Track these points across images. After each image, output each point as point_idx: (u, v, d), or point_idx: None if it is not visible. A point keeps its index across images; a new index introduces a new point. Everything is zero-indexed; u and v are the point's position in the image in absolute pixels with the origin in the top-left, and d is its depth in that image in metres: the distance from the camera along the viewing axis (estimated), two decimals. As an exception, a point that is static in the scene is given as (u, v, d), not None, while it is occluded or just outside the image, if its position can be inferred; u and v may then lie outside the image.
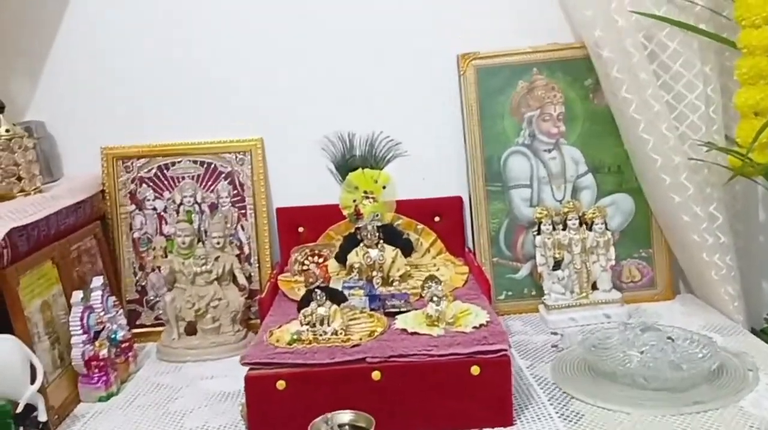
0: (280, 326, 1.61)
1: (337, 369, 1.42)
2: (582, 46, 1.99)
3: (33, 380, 1.47)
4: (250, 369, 1.44)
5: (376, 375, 1.42)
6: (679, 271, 2.10)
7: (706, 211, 1.95)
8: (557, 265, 1.98)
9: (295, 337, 1.51)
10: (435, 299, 1.57)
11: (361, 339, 1.51)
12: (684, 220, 1.96)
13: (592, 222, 1.97)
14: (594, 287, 1.99)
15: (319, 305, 1.54)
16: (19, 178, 1.78)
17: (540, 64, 2.05)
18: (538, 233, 1.98)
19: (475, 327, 1.52)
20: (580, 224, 1.96)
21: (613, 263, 1.98)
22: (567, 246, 1.96)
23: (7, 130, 1.78)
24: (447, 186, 2.15)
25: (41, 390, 1.50)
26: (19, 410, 1.45)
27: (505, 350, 1.43)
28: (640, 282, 2.12)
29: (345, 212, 1.94)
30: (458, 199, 2.15)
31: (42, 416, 1.50)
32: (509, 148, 2.08)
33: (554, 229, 1.97)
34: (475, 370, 1.41)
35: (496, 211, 2.08)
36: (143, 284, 2.09)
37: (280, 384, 1.41)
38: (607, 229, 1.97)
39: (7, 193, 1.76)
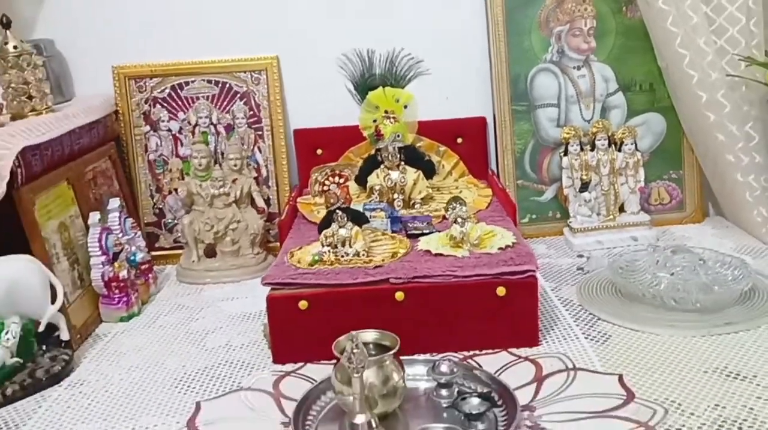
0: (300, 248, 1.62)
1: (359, 289, 1.41)
2: (616, -47, 1.93)
3: (54, 300, 1.48)
4: (272, 289, 1.43)
5: (399, 296, 1.41)
6: (709, 193, 2.11)
7: (743, 131, 1.90)
8: (584, 186, 1.96)
9: (316, 258, 1.52)
10: (459, 220, 1.56)
11: (383, 260, 1.51)
12: (719, 139, 1.91)
13: (622, 142, 1.96)
14: (621, 209, 2.00)
15: (340, 227, 1.54)
16: (30, 97, 1.74)
17: (571, -25, 1.98)
18: (566, 154, 1.96)
19: (500, 248, 1.52)
20: (609, 145, 1.96)
21: (642, 184, 1.99)
22: (595, 167, 1.96)
23: (15, 47, 1.72)
24: (470, 106, 2.12)
25: (62, 310, 1.51)
26: (41, 329, 1.47)
27: (533, 271, 1.44)
28: (669, 205, 2.11)
29: (365, 133, 1.94)
30: (482, 120, 2.13)
31: (64, 335, 1.52)
32: (536, 65, 2.04)
33: (582, 149, 1.96)
34: (500, 291, 1.41)
35: (521, 132, 2.06)
36: (161, 206, 2.11)
37: (303, 304, 1.41)
38: (636, 149, 1.97)
39: (19, 113, 1.73)
